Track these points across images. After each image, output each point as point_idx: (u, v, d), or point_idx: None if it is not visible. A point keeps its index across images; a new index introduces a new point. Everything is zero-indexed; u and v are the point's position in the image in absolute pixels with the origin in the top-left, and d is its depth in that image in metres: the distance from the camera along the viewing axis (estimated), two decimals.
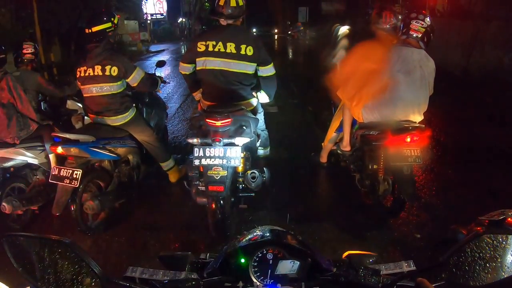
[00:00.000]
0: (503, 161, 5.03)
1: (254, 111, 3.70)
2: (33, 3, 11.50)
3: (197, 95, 3.87)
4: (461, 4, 12.42)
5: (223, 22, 3.47)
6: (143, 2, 29.52)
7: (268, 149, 4.11)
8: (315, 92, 7.32)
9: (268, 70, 3.57)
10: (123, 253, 3.23)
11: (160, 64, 4.59)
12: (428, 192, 4.18)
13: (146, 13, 31.31)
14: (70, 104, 4.68)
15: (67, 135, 3.24)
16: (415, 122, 3.42)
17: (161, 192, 4.30)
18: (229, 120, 2.99)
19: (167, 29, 37.31)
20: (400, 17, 3.72)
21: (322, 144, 4.59)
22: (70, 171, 3.10)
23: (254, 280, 0.88)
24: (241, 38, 3.40)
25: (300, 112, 8.00)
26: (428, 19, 3.36)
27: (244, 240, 0.98)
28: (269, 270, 0.88)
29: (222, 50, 3.36)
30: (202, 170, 3.02)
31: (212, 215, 3.02)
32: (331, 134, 4.30)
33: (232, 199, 3.20)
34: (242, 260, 0.91)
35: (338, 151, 4.21)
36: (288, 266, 0.89)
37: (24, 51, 4.22)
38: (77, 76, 3.64)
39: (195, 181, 3.17)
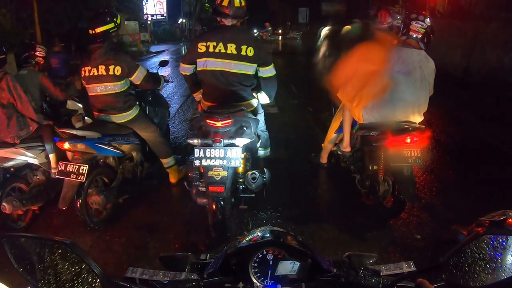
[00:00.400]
0: (503, 162, 5.03)
1: (255, 112, 3.70)
2: (34, 4, 11.52)
3: (198, 95, 3.88)
4: (461, 5, 12.42)
5: (227, 22, 3.46)
6: (144, 3, 29.52)
7: (269, 149, 4.11)
8: (315, 92, 7.31)
9: (268, 71, 3.57)
10: (123, 253, 3.23)
11: (163, 63, 4.66)
12: (429, 193, 4.18)
13: (146, 14, 31.29)
14: (70, 104, 4.69)
15: (74, 131, 3.36)
16: (415, 123, 3.42)
17: (161, 193, 4.30)
18: (230, 121, 2.99)
19: (168, 30, 37.30)
20: (398, 17, 3.73)
21: (322, 145, 4.59)
22: (77, 166, 3.18)
23: (254, 281, 0.88)
24: (241, 39, 3.40)
25: (301, 112, 8.01)
26: (428, 20, 3.36)
27: (244, 240, 0.98)
28: (269, 271, 0.88)
29: (223, 51, 3.36)
30: (202, 170, 3.02)
31: (212, 216, 3.02)
32: (331, 134, 4.30)
33: (233, 200, 3.20)
34: (243, 261, 0.91)
35: (338, 152, 4.21)
36: (288, 267, 0.89)
37: (37, 53, 4.30)
38: (82, 75, 3.71)
39: (196, 182, 3.17)
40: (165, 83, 4.46)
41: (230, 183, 2.96)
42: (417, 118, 3.47)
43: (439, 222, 3.53)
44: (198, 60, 3.47)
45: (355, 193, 3.87)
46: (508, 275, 0.84)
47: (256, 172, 3.18)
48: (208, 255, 1.10)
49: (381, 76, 3.41)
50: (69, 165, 3.21)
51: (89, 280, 0.84)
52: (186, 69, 3.65)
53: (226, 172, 2.90)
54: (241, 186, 3.26)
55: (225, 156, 2.89)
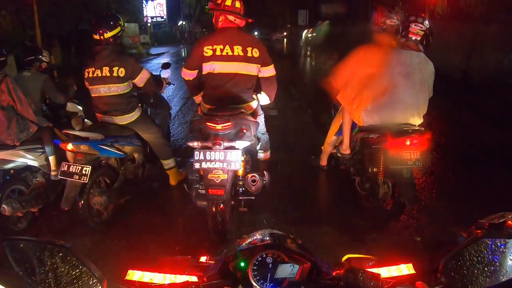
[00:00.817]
0: (503, 164, 5.03)
1: (254, 114, 3.70)
2: (34, 6, 11.54)
3: (198, 98, 3.89)
4: (461, 7, 12.45)
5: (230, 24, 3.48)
6: (144, 5, 29.58)
7: (269, 152, 4.10)
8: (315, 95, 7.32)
9: (269, 71, 3.59)
10: (123, 256, 3.23)
11: (165, 66, 4.69)
12: (428, 195, 4.18)
13: (146, 16, 31.38)
14: (70, 106, 4.71)
15: (78, 133, 3.39)
16: (415, 125, 3.42)
17: (161, 195, 4.30)
18: (230, 123, 3.00)
19: (168, 32, 37.38)
20: (395, 18, 3.74)
21: (322, 147, 4.59)
22: (80, 167, 3.19)
23: (254, 284, 0.88)
24: (246, 41, 3.45)
25: (300, 115, 8.01)
26: (427, 22, 3.38)
27: (243, 243, 0.98)
28: (269, 274, 0.88)
29: (230, 53, 3.38)
30: (202, 173, 3.02)
31: (212, 219, 3.02)
32: (331, 137, 4.30)
33: (232, 202, 3.20)
34: (242, 264, 0.91)
35: (338, 154, 4.21)
36: (287, 270, 0.89)
37: (44, 58, 4.45)
38: (85, 76, 3.73)
39: (195, 184, 3.17)
40: (167, 85, 4.48)
41: (230, 185, 2.96)
42: (417, 121, 3.47)
43: (439, 224, 3.52)
44: (204, 64, 3.47)
45: (355, 195, 3.87)
46: (506, 278, 0.84)
47: (256, 175, 3.18)
48: (208, 258, 1.10)
49: (380, 78, 3.42)
50: (72, 166, 3.22)
51: (90, 283, 0.84)
52: (190, 74, 3.65)
53: (226, 175, 2.91)
54: (241, 189, 3.26)
55: (225, 159, 2.89)
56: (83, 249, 3.07)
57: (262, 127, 3.88)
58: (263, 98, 3.78)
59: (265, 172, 3.40)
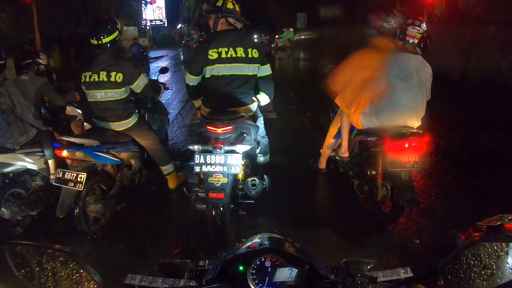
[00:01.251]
0: (501, 166, 5.04)
1: (254, 117, 3.71)
2: (33, 9, 11.55)
3: (198, 102, 3.89)
4: (459, 9, 12.50)
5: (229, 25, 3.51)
6: (143, 8, 29.62)
7: (268, 156, 4.10)
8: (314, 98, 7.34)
9: (266, 70, 3.63)
10: (122, 260, 3.22)
11: (163, 71, 4.68)
12: (427, 198, 4.19)
13: (145, 19, 31.44)
14: (70, 110, 4.71)
15: (73, 139, 3.34)
16: (413, 128, 3.43)
17: (160, 199, 4.29)
18: (230, 127, 3.00)
19: (166, 35, 37.45)
20: (393, 22, 3.75)
21: (321, 150, 4.60)
22: (75, 174, 3.16)
23: (253, 287, 0.88)
24: (246, 42, 3.54)
25: (299, 118, 8.03)
26: (424, 25, 3.39)
27: (242, 247, 0.99)
28: (267, 278, 0.89)
29: (233, 55, 3.43)
30: (202, 177, 3.02)
31: (211, 222, 3.03)
32: (330, 140, 4.31)
33: (232, 206, 3.20)
34: (241, 268, 0.92)
35: (337, 157, 4.21)
36: (286, 274, 0.90)
37: (41, 61, 4.46)
38: (82, 81, 3.71)
39: (195, 188, 3.17)
40: (165, 90, 4.46)
41: (230, 189, 2.96)
42: (415, 123, 3.48)
43: (438, 227, 3.53)
44: (208, 67, 3.47)
45: (354, 198, 3.87)
46: (503, 281, 0.84)
47: (256, 179, 3.19)
48: (207, 261, 1.10)
49: (378, 81, 3.43)
50: (67, 172, 3.18)
51: (89, 287, 0.85)
52: (194, 80, 3.63)
53: (226, 179, 2.91)
54: (240, 192, 3.26)
55: (226, 162, 2.89)
56: (83, 253, 3.07)
57: (262, 130, 3.89)
58: (264, 98, 3.79)
59: (264, 176, 3.41)
